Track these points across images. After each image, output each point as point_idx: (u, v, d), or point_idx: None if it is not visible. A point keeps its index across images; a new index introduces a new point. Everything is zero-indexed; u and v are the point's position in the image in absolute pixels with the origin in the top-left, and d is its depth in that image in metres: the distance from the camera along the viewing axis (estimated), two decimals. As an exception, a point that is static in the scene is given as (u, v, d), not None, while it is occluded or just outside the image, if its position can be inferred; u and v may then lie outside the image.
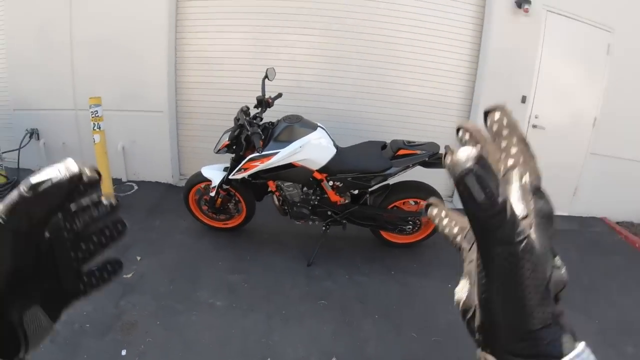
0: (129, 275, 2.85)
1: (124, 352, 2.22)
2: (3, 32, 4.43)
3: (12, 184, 4.17)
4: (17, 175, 4.28)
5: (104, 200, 0.34)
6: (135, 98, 4.09)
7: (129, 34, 3.93)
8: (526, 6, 3.73)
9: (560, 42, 3.93)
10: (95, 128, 3.56)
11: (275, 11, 3.82)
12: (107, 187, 3.74)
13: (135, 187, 4.26)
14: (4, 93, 4.60)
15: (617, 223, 4.35)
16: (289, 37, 3.88)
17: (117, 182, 4.15)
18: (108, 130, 3.67)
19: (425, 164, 2.99)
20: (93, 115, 3.52)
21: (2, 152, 4.32)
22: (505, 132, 0.34)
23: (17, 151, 4.37)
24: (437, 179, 3.94)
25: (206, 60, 4.02)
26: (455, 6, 3.87)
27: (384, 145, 3.07)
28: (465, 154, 0.26)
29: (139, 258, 3.06)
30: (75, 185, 0.29)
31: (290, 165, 2.86)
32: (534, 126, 4.08)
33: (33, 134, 4.48)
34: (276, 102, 3.12)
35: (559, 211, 4.34)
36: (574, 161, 4.27)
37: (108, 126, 3.66)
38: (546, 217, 0.31)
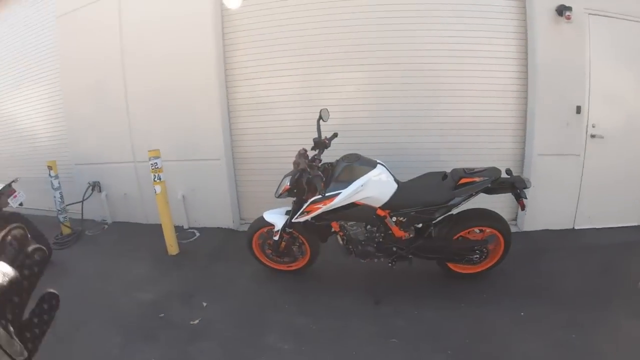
0: (195, 322, 2.91)
1: None
2: (61, 93, 4.78)
3: (77, 234, 4.42)
4: (81, 225, 4.53)
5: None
6: (192, 147, 4.26)
7: (181, 85, 4.13)
8: (567, 13, 3.63)
9: (608, 44, 3.78)
10: (156, 179, 3.73)
11: (320, 52, 3.91)
12: (170, 236, 3.88)
13: (197, 234, 4.38)
14: (65, 150, 4.93)
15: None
16: (337, 76, 3.95)
17: (179, 229, 4.29)
18: (168, 179, 3.84)
19: (488, 191, 2.92)
20: (153, 167, 3.70)
21: (67, 205, 4.61)
22: None
23: (81, 203, 4.65)
24: (502, 200, 3.87)
25: (258, 105, 4.14)
26: (496, 24, 3.82)
27: (444, 175, 3.02)
28: None
29: (204, 304, 3.12)
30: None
31: (352, 205, 2.85)
32: (592, 136, 3.90)
33: (95, 186, 4.76)
34: (333, 142, 3.16)
35: (628, 222, 4.11)
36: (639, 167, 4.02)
37: (167, 176, 3.82)
38: None
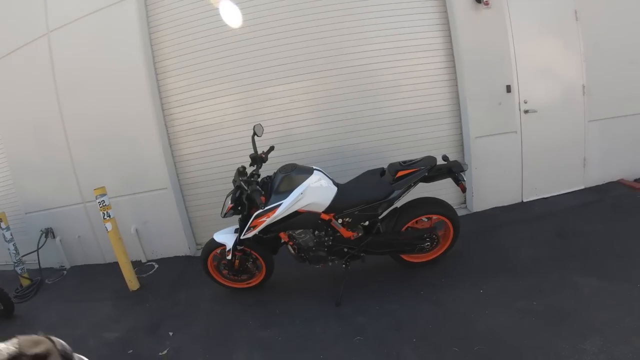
0: (164, 352, 2.87)
1: None
2: (1, 140, 4.62)
3: (37, 284, 4.28)
4: (40, 275, 4.38)
5: None
6: (138, 180, 4.20)
7: (119, 122, 4.08)
8: (485, -1, 3.80)
9: (528, 22, 3.96)
10: (106, 217, 3.67)
11: (250, 69, 3.95)
12: (128, 272, 3.81)
13: (156, 266, 4.31)
14: (14, 198, 4.77)
15: (635, 181, 4.28)
16: (272, 90, 3.98)
17: (137, 264, 4.21)
18: (119, 215, 3.78)
19: (426, 179, 3.01)
20: (101, 205, 3.64)
21: (22, 256, 4.46)
22: None
23: (36, 252, 4.50)
24: (445, 189, 3.97)
25: (197, 130, 4.13)
26: (418, 19, 3.96)
27: (382, 171, 3.09)
28: None
29: (171, 334, 3.09)
30: None
31: (296, 214, 2.88)
32: (526, 111, 4.08)
33: (48, 233, 4.61)
34: (271, 155, 3.19)
35: (572, 187, 4.30)
36: (575, 133, 4.22)
37: (118, 212, 3.76)
38: None
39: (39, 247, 4.52)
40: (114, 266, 4.20)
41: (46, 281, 4.40)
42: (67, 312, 3.61)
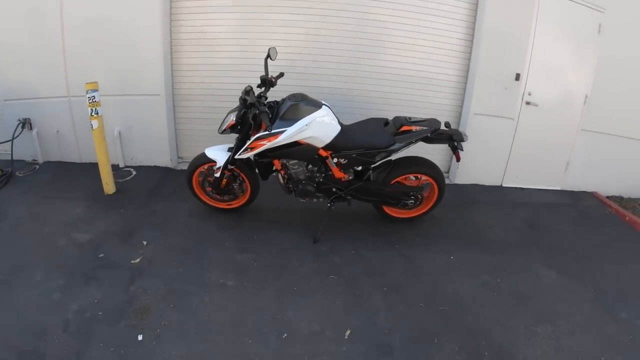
0: (136, 261, 2.87)
1: (140, 337, 2.24)
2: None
3: (7, 176, 4.10)
4: (11, 166, 4.20)
5: None
6: (131, 82, 4.03)
7: (122, 17, 3.85)
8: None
9: (553, 21, 3.97)
10: (93, 114, 3.52)
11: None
12: (106, 175, 3.72)
13: (134, 173, 4.22)
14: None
15: (607, 197, 4.49)
16: (286, 17, 3.85)
17: (114, 168, 4.08)
18: (104, 115, 3.63)
19: (427, 140, 3.06)
20: (90, 101, 3.48)
21: (-5, 144, 4.25)
22: None
23: (10, 142, 4.29)
24: (437, 152, 4.06)
25: (202, 41, 3.97)
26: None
27: (386, 122, 3.12)
28: None
29: (144, 242, 3.07)
30: None
31: (296, 144, 2.88)
32: (528, 103, 4.16)
33: (25, 123, 4.39)
34: (278, 82, 3.13)
35: (550, 185, 4.49)
36: (566, 137, 4.36)
37: (104, 111, 3.61)
38: None
39: (14, 137, 4.31)
40: (90, 167, 4.13)
41: (17, 173, 4.22)
42: (37, 208, 3.48)
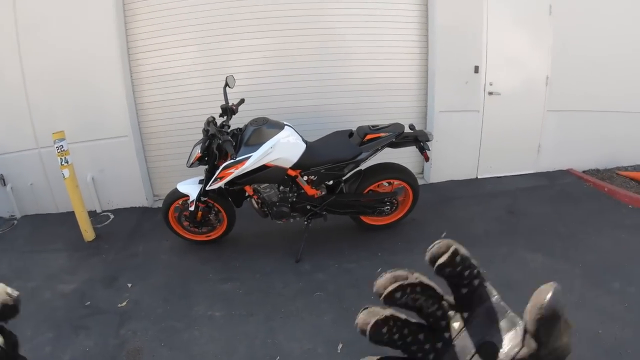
0: (123, 304, 2.84)
1: None
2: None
3: (-14, 234, 4.06)
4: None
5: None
6: (98, 126, 4.03)
7: (82, 64, 3.86)
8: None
9: (503, 8, 4.07)
10: (63, 163, 3.51)
11: (223, 19, 3.83)
12: (84, 222, 3.70)
13: (112, 216, 4.20)
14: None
15: (583, 172, 4.57)
16: (241, 43, 3.90)
17: (92, 214, 4.07)
18: (75, 162, 3.62)
19: (393, 145, 3.10)
20: (59, 150, 3.47)
21: (-29, 204, 4.20)
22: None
23: (-14, 200, 4.25)
24: (407, 156, 4.11)
25: (163, 77, 4.00)
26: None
27: (350, 133, 3.16)
28: None
29: (129, 285, 3.05)
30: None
31: (263, 167, 2.90)
32: (490, 93, 4.24)
33: (-1, 179, 4.36)
34: (240, 108, 3.16)
35: (525, 170, 4.56)
36: (533, 120, 4.45)
37: (74, 158, 3.60)
38: None
39: (-11, 194, 4.28)
40: (68, 216, 4.07)
41: (-5, 229, 4.18)
42: (19, 264, 3.45)
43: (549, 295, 0.29)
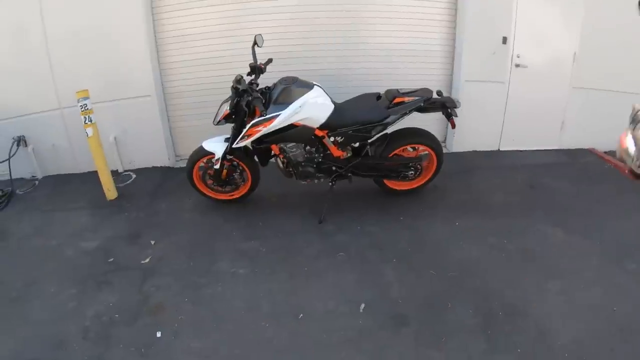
0: (146, 261, 2.89)
1: (159, 334, 2.26)
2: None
3: (8, 195, 4.10)
4: (10, 185, 4.21)
5: None
6: (121, 86, 4.03)
7: (105, 22, 3.83)
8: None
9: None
10: (87, 122, 3.52)
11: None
12: (107, 180, 3.73)
13: (134, 176, 4.23)
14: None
15: (605, 152, 4.49)
16: (269, 4, 3.84)
17: (114, 173, 4.09)
18: (98, 122, 3.63)
19: (420, 109, 3.08)
20: (83, 109, 3.47)
21: (-8, 165, 4.24)
22: None
23: (7, 162, 4.28)
24: (431, 123, 4.07)
25: (187, 37, 3.96)
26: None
27: (379, 96, 3.13)
28: None
29: (152, 242, 3.09)
30: None
31: (291, 126, 2.90)
32: (517, 65, 4.16)
33: (20, 141, 4.38)
34: (267, 68, 3.13)
35: (547, 145, 4.51)
36: (558, 96, 4.36)
37: (97, 118, 3.61)
38: None
39: (11, 156, 4.30)
40: (89, 176, 4.11)
41: (17, 191, 4.22)
42: (41, 222, 3.49)
43: None
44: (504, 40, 4.06)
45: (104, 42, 3.89)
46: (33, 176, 4.51)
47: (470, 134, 4.35)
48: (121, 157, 4.30)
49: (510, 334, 2.18)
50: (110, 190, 3.77)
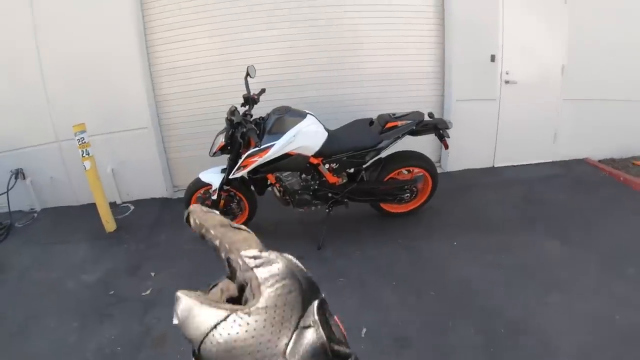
0: (147, 292, 2.88)
1: None
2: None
3: (7, 228, 4.11)
4: (9, 218, 4.21)
5: None
6: (117, 118, 4.07)
7: (100, 56, 3.90)
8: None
9: (520, -2, 4.05)
10: (84, 155, 3.55)
11: (241, 10, 3.85)
12: (105, 213, 3.74)
13: (132, 207, 4.25)
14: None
15: (599, 161, 4.54)
16: (260, 34, 3.92)
17: (112, 205, 4.11)
18: (95, 154, 3.66)
19: (413, 133, 3.12)
20: (80, 143, 3.51)
21: (-9, 198, 4.25)
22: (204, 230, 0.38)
23: (6, 194, 4.30)
24: (426, 145, 4.12)
25: (182, 69, 4.03)
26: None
27: (371, 122, 3.18)
28: None
29: (152, 274, 3.09)
30: None
31: (286, 155, 2.93)
32: (507, 82, 4.23)
33: (18, 173, 4.41)
34: (260, 98, 3.18)
35: (541, 159, 4.55)
36: (550, 109, 4.43)
37: (95, 151, 3.65)
38: None
39: (9, 188, 4.32)
40: (88, 208, 4.11)
41: (16, 224, 4.23)
42: (41, 255, 3.49)
43: None
44: (492, 58, 4.13)
45: (99, 75, 3.95)
46: (32, 209, 4.52)
47: (464, 153, 4.40)
48: (119, 189, 4.32)
49: (513, 350, 2.18)
50: (109, 223, 3.78)
